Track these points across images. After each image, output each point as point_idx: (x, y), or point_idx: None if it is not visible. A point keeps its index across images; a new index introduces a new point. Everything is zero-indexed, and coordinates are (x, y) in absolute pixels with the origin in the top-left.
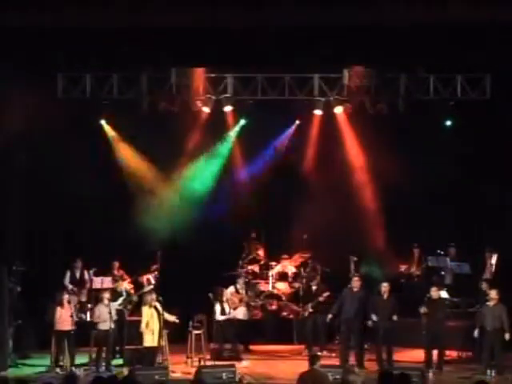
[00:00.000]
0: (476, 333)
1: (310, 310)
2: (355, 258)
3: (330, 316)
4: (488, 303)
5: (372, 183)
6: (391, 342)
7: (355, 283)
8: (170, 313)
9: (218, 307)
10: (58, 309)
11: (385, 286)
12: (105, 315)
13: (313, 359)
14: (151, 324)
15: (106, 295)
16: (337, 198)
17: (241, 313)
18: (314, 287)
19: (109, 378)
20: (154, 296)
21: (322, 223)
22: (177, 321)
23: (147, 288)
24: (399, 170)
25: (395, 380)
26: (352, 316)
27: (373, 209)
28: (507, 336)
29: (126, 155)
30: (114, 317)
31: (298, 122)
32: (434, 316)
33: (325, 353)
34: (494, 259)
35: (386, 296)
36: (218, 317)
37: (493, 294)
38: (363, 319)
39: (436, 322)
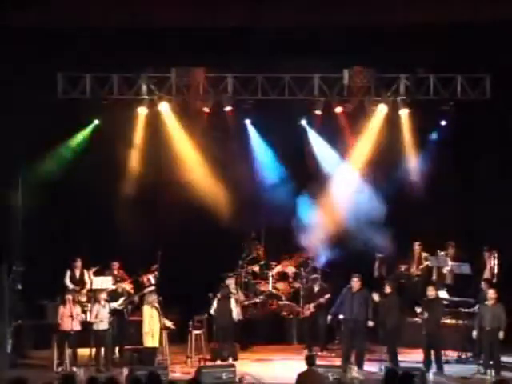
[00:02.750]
0: (474, 334)
1: (312, 309)
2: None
3: (329, 317)
4: (487, 303)
5: (372, 182)
6: (393, 343)
7: (354, 284)
8: (170, 313)
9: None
10: (61, 308)
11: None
12: (101, 315)
13: (310, 359)
14: (152, 324)
15: (103, 295)
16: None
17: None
18: (316, 288)
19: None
20: (155, 296)
21: (323, 223)
22: (173, 327)
23: (149, 288)
24: (398, 169)
25: (400, 379)
26: (352, 316)
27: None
28: (501, 335)
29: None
30: (110, 317)
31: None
32: (430, 316)
33: (325, 353)
34: (494, 259)
35: (385, 295)
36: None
37: (491, 293)
38: (365, 319)
39: (433, 322)
